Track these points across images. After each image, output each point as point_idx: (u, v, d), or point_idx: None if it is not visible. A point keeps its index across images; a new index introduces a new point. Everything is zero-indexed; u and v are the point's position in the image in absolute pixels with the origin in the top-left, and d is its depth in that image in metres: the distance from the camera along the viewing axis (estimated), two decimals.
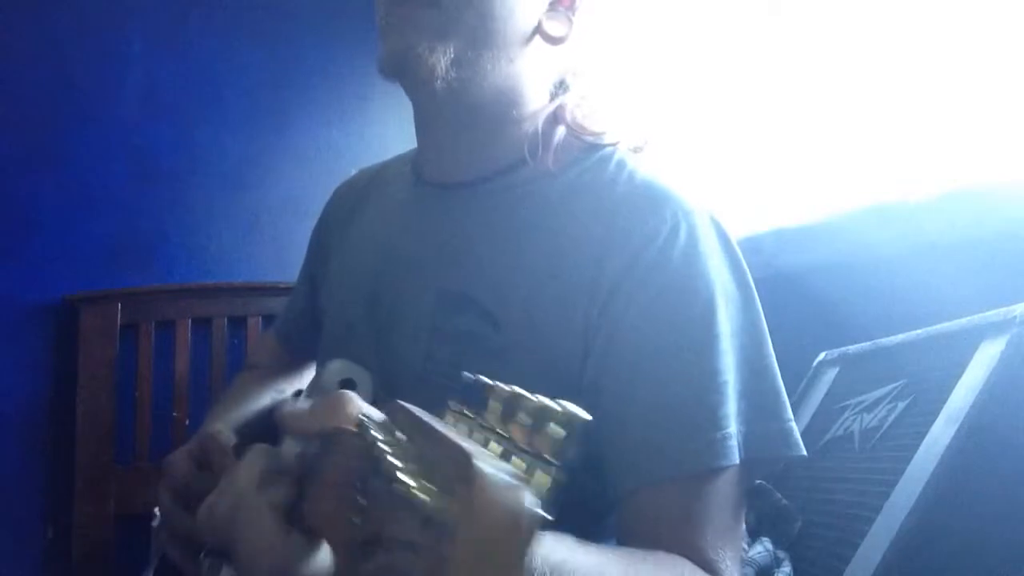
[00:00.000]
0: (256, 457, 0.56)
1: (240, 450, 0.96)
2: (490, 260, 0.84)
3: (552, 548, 0.56)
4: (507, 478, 0.32)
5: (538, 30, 0.84)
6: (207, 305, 2.09)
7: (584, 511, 0.82)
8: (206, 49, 2.23)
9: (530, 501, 0.32)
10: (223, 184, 2.20)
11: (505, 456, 0.38)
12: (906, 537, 0.92)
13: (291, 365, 1.15)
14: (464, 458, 0.33)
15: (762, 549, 1.12)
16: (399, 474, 0.35)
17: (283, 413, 0.56)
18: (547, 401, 0.38)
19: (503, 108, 0.86)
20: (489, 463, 0.33)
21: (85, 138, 2.10)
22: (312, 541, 0.51)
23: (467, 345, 0.81)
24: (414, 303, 0.87)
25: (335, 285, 1.01)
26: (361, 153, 2.15)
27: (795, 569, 1.10)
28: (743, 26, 1.76)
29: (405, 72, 0.81)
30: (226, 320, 2.08)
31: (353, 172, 1.11)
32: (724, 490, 0.74)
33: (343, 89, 2.29)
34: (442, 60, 0.79)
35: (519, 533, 0.32)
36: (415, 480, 0.35)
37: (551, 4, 0.84)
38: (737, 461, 0.73)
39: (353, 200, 1.05)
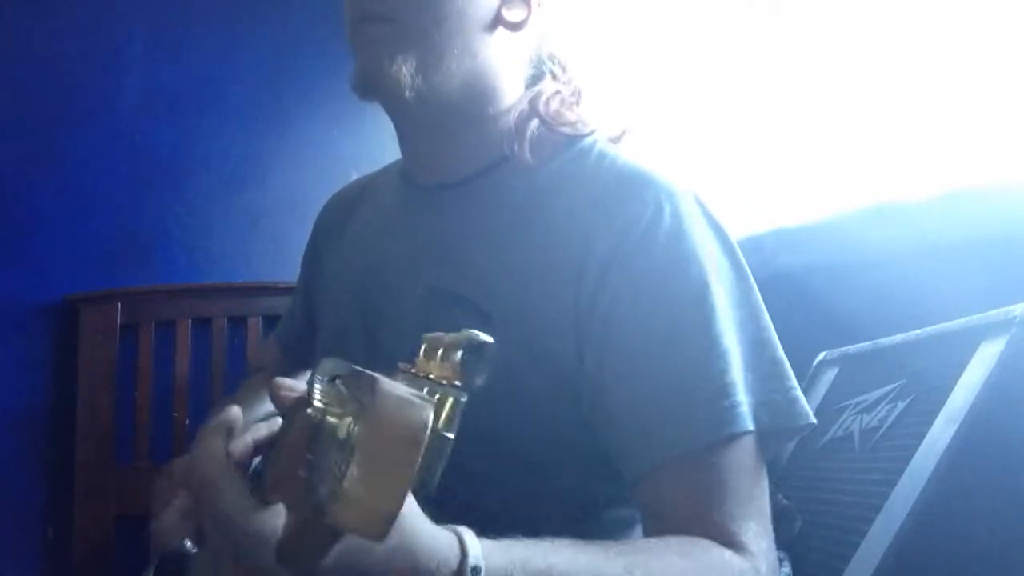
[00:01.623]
0: (224, 416, 0.58)
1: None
2: (478, 258, 0.85)
3: (496, 552, 0.56)
4: (404, 395, 0.36)
5: (498, 19, 0.83)
6: (207, 305, 2.08)
7: (574, 506, 0.82)
8: (206, 49, 2.22)
9: (425, 414, 0.36)
10: (223, 184, 2.20)
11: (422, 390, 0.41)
12: (906, 537, 0.92)
13: (292, 373, 1.16)
14: (370, 381, 0.36)
15: None
16: (327, 416, 0.39)
17: (274, 383, 0.56)
18: (454, 334, 0.43)
19: (477, 106, 0.86)
20: (391, 384, 0.36)
21: (85, 138, 2.10)
22: (266, 504, 0.52)
23: None
24: (404, 303, 0.87)
25: (328, 291, 1.02)
26: (361, 153, 2.14)
27: (795, 569, 1.10)
28: (744, 26, 1.76)
29: (376, 89, 0.82)
30: (226, 320, 2.07)
31: (354, 176, 1.12)
32: (738, 460, 0.72)
33: (343, 89, 2.27)
34: (404, 70, 0.80)
35: (413, 440, 0.35)
36: (339, 417, 0.39)
37: None
38: (749, 427, 0.72)
39: (344, 210, 1.05)
